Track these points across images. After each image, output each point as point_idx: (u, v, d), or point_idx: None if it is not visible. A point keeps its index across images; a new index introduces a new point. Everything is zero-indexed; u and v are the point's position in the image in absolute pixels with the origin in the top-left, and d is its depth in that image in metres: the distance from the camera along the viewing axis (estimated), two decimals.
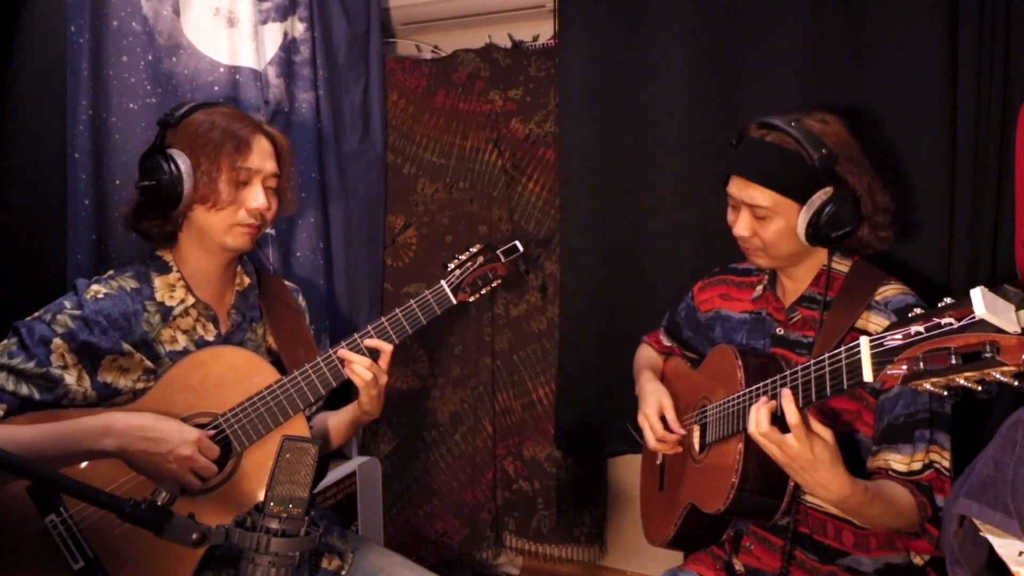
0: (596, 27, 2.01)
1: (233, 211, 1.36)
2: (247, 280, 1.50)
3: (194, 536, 0.91)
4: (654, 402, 1.56)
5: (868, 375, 1.01)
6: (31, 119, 1.79)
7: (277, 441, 0.94)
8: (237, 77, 1.91)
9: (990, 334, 0.85)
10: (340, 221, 2.22)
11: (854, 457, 1.29)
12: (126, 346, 1.32)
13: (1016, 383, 0.85)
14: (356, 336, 1.42)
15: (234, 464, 1.33)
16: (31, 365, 1.26)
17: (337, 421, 1.53)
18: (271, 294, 1.55)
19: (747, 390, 1.29)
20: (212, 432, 1.31)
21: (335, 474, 2.09)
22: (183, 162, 1.33)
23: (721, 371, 1.42)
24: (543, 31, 2.31)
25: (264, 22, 1.99)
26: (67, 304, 1.31)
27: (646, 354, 1.79)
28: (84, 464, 1.26)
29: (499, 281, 1.59)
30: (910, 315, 0.96)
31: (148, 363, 1.34)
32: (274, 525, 0.90)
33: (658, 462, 1.64)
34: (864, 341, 1.02)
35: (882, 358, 0.98)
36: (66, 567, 1.18)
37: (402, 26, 2.49)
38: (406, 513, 2.53)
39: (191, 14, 1.86)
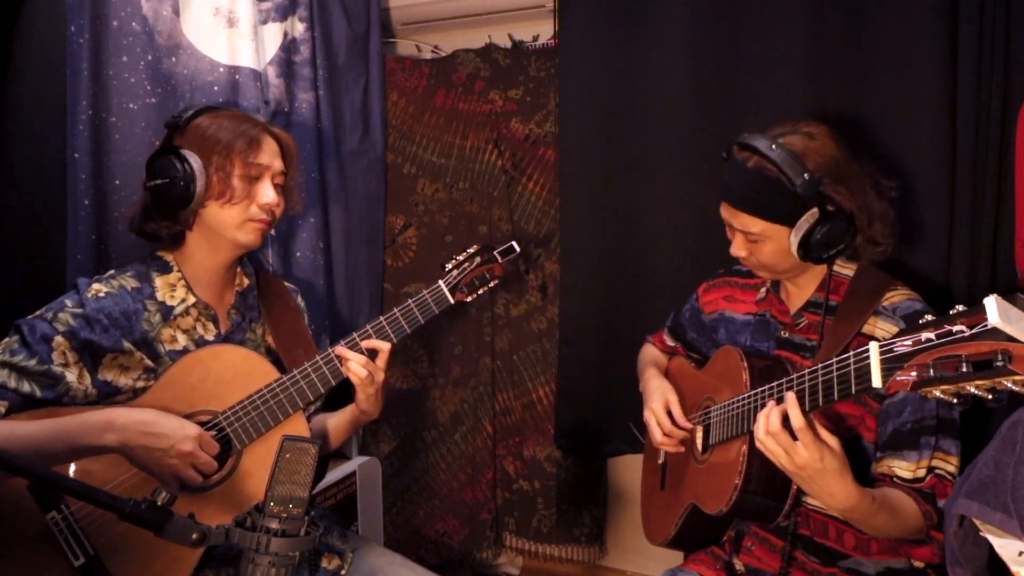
0: (596, 27, 2.01)
1: (245, 206, 1.38)
2: (246, 281, 1.51)
3: (194, 536, 0.91)
4: (660, 397, 1.56)
5: (877, 381, 0.99)
6: (31, 119, 1.79)
7: (277, 439, 0.94)
8: (237, 77, 1.91)
9: (1002, 342, 0.84)
10: (340, 221, 2.22)
11: (857, 462, 1.28)
12: (127, 344, 1.33)
13: None
14: (355, 335, 1.43)
15: (234, 462, 1.34)
16: (33, 362, 1.26)
17: (336, 421, 1.54)
18: (270, 294, 1.56)
19: (752, 392, 1.28)
20: (213, 431, 1.31)
21: (335, 474, 2.09)
22: (195, 160, 1.34)
23: (726, 372, 1.42)
24: (543, 31, 2.31)
25: (264, 22, 1.99)
26: (68, 302, 1.32)
27: (650, 353, 1.79)
28: (84, 460, 1.27)
29: (496, 281, 1.61)
30: (921, 322, 0.95)
31: (148, 362, 1.35)
32: (274, 525, 0.90)
33: (660, 461, 1.64)
34: (874, 346, 1.01)
35: (891, 364, 0.97)
36: (67, 563, 1.19)
37: (402, 26, 2.49)
38: (406, 513, 2.53)
39: (191, 14, 1.86)
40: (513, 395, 2.39)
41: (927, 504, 1.20)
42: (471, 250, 1.59)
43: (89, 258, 1.72)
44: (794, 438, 1.11)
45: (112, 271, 1.41)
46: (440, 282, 1.53)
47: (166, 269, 1.41)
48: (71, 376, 1.29)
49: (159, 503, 0.91)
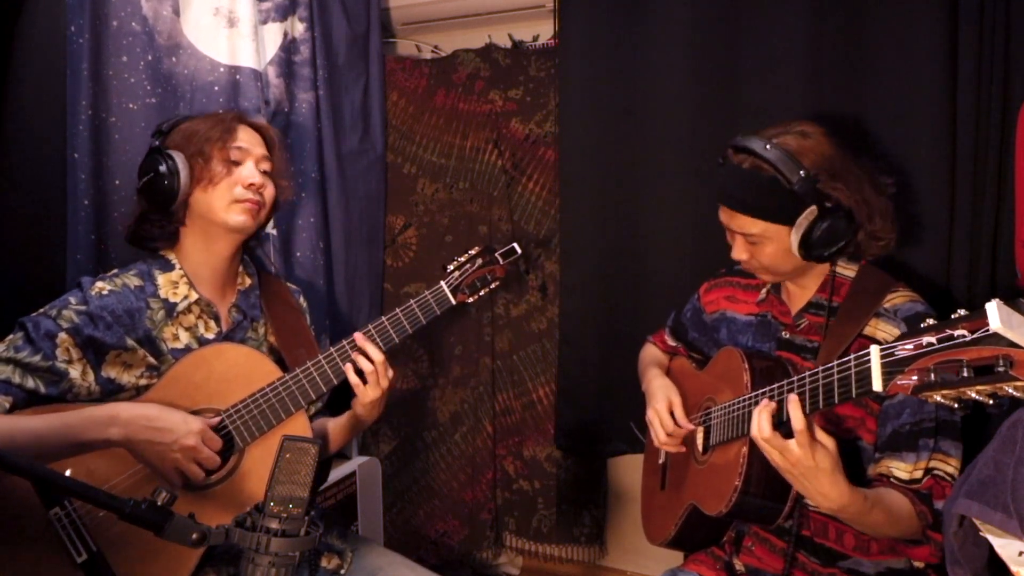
0: (596, 27, 2.01)
1: (229, 186, 1.39)
2: (248, 280, 1.53)
3: (194, 536, 0.91)
4: (664, 398, 1.55)
5: (878, 384, 0.99)
6: (31, 119, 1.79)
7: (279, 438, 0.94)
8: (237, 77, 1.91)
9: (1004, 348, 0.83)
10: (340, 221, 2.22)
11: (856, 463, 1.28)
12: (130, 342, 1.34)
13: None
14: (356, 335, 1.43)
15: (236, 460, 1.35)
16: (37, 359, 1.27)
17: (335, 425, 1.54)
18: (272, 294, 1.56)
19: (753, 393, 1.28)
20: (216, 423, 1.32)
21: (335, 474, 2.09)
22: (177, 155, 1.38)
23: (727, 373, 1.42)
24: (543, 31, 2.31)
25: (264, 22, 1.99)
26: (72, 300, 1.33)
27: (651, 353, 1.79)
28: (87, 457, 1.27)
29: (497, 283, 1.62)
30: (922, 326, 0.95)
31: (151, 359, 1.36)
32: (274, 525, 0.90)
33: (661, 461, 1.64)
34: (875, 350, 1.00)
35: (892, 368, 0.97)
36: (69, 560, 1.19)
37: (402, 26, 2.49)
38: (406, 513, 2.53)
39: (191, 14, 1.86)
40: (513, 395, 2.39)
41: (922, 504, 1.20)
42: (473, 251, 1.60)
43: (89, 258, 1.73)
44: (790, 437, 1.11)
45: (116, 270, 1.42)
46: (442, 283, 1.54)
47: (168, 267, 1.43)
48: (75, 373, 1.29)
49: (159, 503, 0.91)
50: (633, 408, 1.70)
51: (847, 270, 1.38)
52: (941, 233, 1.59)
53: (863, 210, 1.29)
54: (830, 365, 1.09)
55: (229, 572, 1.36)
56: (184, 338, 1.40)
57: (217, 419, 1.33)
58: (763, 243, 1.32)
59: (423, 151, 2.44)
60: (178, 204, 1.39)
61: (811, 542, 1.35)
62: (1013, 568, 0.84)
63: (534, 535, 2.40)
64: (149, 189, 1.39)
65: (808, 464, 1.10)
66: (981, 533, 0.86)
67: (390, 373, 1.42)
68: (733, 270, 1.61)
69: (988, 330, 0.84)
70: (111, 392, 1.34)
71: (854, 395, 1.05)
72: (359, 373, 1.40)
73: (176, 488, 1.28)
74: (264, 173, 1.45)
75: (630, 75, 1.98)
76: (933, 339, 0.92)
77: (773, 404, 1.14)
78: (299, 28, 2.06)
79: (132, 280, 1.40)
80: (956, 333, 0.89)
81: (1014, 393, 0.84)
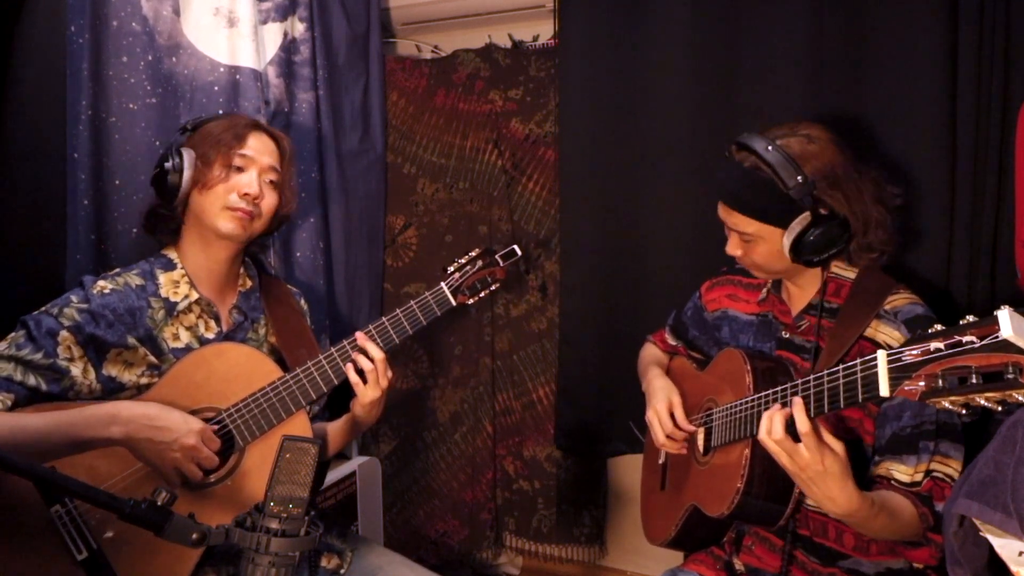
0: (596, 27, 2.01)
1: (224, 192, 1.40)
2: (249, 282, 1.53)
3: (194, 536, 0.91)
4: (664, 398, 1.55)
5: (885, 390, 0.99)
6: (31, 119, 1.79)
7: (279, 437, 0.94)
8: (237, 77, 1.91)
9: (1014, 355, 0.83)
10: (340, 221, 2.22)
11: (856, 465, 1.28)
12: (131, 340, 1.35)
13: None
14: (357, 335, 1.43)
15: (236, 460, 1.35)
16: (38, 356, 1.28)
17: (334, 428, 1.54)
18: (273, 296, 1.57)
19: (756, 396, 1.27)
20: (216, 427, 1.32)
21: (335, 474, 2.09)
22: (187, 154, 1.41)
23: (729, 374, 1.42)
24: (543, 31, 2.31)
25: (264, 22, 1.99)
26: (74, 298, 1.34)
27: (651, 353, 1.79)
28: (88, 455, 1.27)
29: (498, 285, 1.63)
30: (930, 331, 0.94)
31: (152, 358, 1.36)
32: (274, 525, 0.90)
33: (661, 462, 1.64)
34: (881, 355, 1.00)
35: (899, 373, 0.97)
36: (69, 557, 1.19)
37: (402, 26, 2.49)
38: (406, 513, 2.53)
39: (191, 14, 1.86)
40: (513, 395, 2.39)
41: (924, 507, 1.20)
42: (473, 253, 1.61)
43: (88, 258, 1.73)
44: (797, 440, 1.11)
45: (118, 269, 1.43)
46: (442, 284, 1.55)
47: (170, 266, 1.43)
48: (76, 371, 1.30)
49: (159, 503, 0.91)
50: (633, 408, 1.70)
51: (847, 272, 1.38)
52: (941, 233, 1.59)
53: (859, 221, 1.29)
54: (835, 369, 1.09)
55: (229, 572, 1.36)
56: (185, 337, 1.41)
57: (217, 419, 1.33)
58: (756, 242, 1.33)
59: (423, 151, 2.44)
60: (179, 201, 1.41)
61: (810, 542, 1.35)
62: (1013, 568, 0.84)
63: (534, 535, 2.40)
64: (155, 182, 1.43)
65: (817, 468, 1.09)
66: (981, 533, 0.86)
67: (389, 373, 1.43)
68: (734, 268, 1.61)
69: (998, 337, 0.84)
70: (112, 390, 1.34)
71: (860, 400, 1.04)
72: (359, 373, 1.40)
73: (175, 487, 1.28)
74: (270, 183, 1.46)
75: (630, 75, 1.98)
76: (941, 345, 0.91)
77: (787, 410, 1.13)
78: (299, 28, 2.06)
79: (134, 279, 1.40)
80: (965, 339, 0.88)
81: (1023, 400, 0.84)
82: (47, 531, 1.19)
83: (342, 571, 1.47)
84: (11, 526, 1.22)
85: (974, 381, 0.87)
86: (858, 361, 1.04)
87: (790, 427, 1.12)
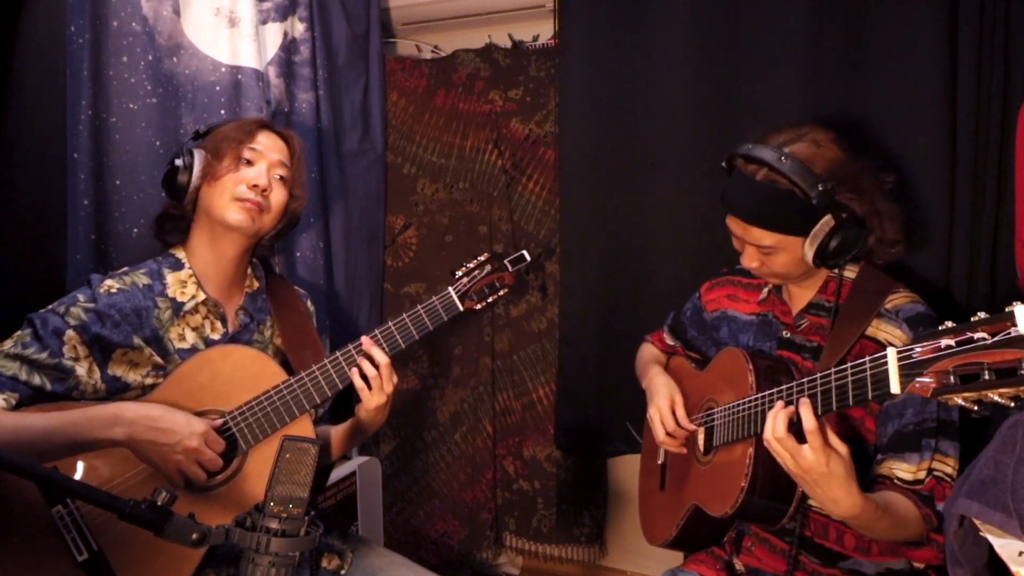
0: (596, 27, 2.01)
1: (232, 183, 1.40)
2: (256, 283, 1.53)
3: (194, 536, 0.91)
4: (666, 395, 1.54)
5: (896, 387, 0.98)
6: (31, 119, 1.79)
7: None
8: (239, 77, 1.91)
9: None
10: (340, 221, 2.22)
11: (857, 464, 1.28)
12: (137, 340, 1.34)
13: None
14: (362, 339, 1.42)
15: (239, 463, 1.35)
16: (44, 356, 1.27)
17: (337, 432, 1.53)
18: (280, 297, 1.57)
19: (760, 395, 1.27)
20: (220, 425, 1.32)
21: (335, 474, 2.09)
22: (198, 153, 1.43)
23: (730, 374, 1.41)
24: (543, 31, 2.31)
25: (264, 22, 1.99)
26: (81, 297, 1.34)
27: (650, 352, 1.79)
28: (90, 456, 1.27)
29: (506, 290, 1.61)
30: (940, 328, 0.94)
31: (157, 359, 1.36)
32: (274, 525, 0.90)
33: (660, 462, 1.64)
34: (892, 352, 0.99)
35: (910, 370, 0.96)
36: (70, 558, 1.19)
37: (402, 26, 2.49)
38: (406, 513, 2.53)
39: (191, 14, 1.86)
40: (513, 395, 2.39)
41: (927, 508, 1.20)
42: (482, 258, 1.59)
43: (89, 258, 1.72)
44: (803, 441, 1.10)
45: (126, 268, 1.43)
46: (449, 289, 1.53)
47: (178, 266, 1.43)
48: (81, 370, 1.30)
49: (159, 503, 0.91)
50: (633, 408, 1.70)
51: (848, 271, 1.38)
52: (941, 233, 1.59)
53: (875, 218, 1.28)
54: (843, 367, 1.08)
55: (229, 573, 1.36)
56: (190, 338, 1.41)
57: (221, 421, 1.33)
58: (776, 253, 1.31)
59: (423, 151, 2.44)
60: (188, 198, 1.42)
61: (812, 542, 1.35)
62: (1013, 568, 0.84)
63: (534, 535, 2.40)
64: (165, 180, 1.44)
65: (821, 470, 1.09)
66: (981, 533, 0.86)
67: (395, 378, 1.41)
68: (735, 269, 1.61)
69: (1010, 333, 0.84)
70: (117, 390, 1.34)
71: (870, 397, 1.04)
72: (364, 378, 1.39)
73: (178, 489, 1.28)
74: (280, 179, 1.46)
75: (630, 75, 1.98)
76: (952, 342, 0.91)
77: (791, 409, 1.13)
78: (299, 28, 2.06)
79: (141, 278, 1.40)
80: (976, 336, 0.88)
81: None
82: (48, 532, 1.19)
83: (343, 572, 1.47)
84: (12, 526, 1.22)
85: (987, 377, 0.86)
86: (867, 359, 1.04)
87: (794, 427, 1.12)
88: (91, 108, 1.72)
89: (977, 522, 0.86)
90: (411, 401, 2.48)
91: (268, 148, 1.45)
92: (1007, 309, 0.85)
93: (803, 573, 1.35)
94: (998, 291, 1.53)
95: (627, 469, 2.34)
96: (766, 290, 1.49)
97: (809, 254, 1.27)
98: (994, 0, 1.49)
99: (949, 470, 1.22)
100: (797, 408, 1.12)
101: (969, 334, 0.89)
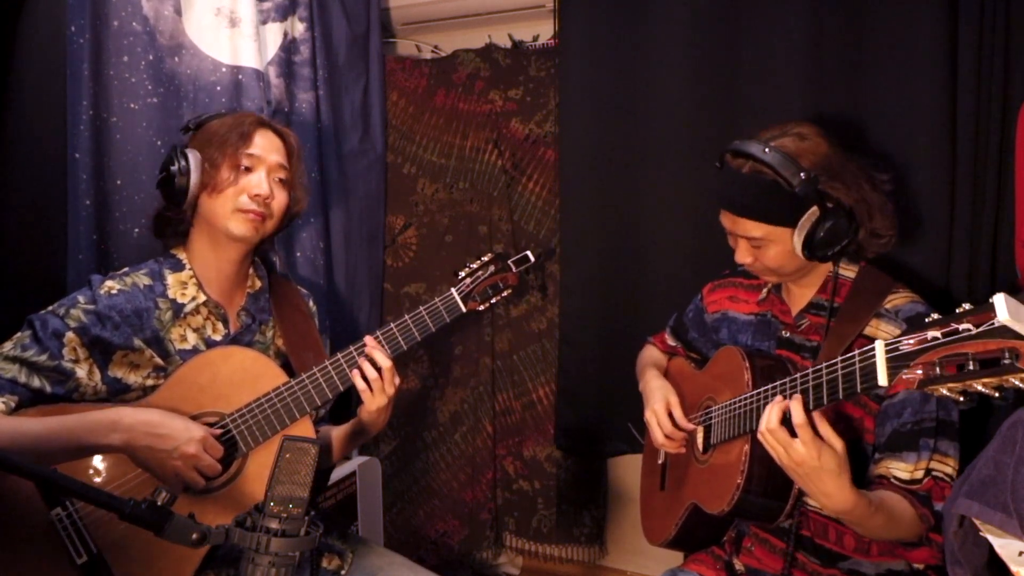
0: (596, 27, 2.01)
1: (234, 195, 1.38)
2: (258, 283, 1.52)
3: (194, 536, 0.91)
4: (661, 398, 1.56)
5: (883, 379, 1.00)
6: (32, 119, 1.79)
7: None
8: (240, 77, 1.91)
9: (1010, 340, 0.84)
10: (340, 221, 2.22)
11: (855, 464, 1.29)
12: (137, 342, 1.34)
13: None
14: (364, 340, 1.41)
15: (239, 465, 1.34)
16: (43, 358, 1.27)
17: (339, 432, 1.52)
18: (282, 297, 1.56)
19: (754, 392, 1.28)
20: (219, 432, 1.31)
21: (335, 474, 2.09)
22: (193, 156, 1.39)
23: (727, 372, 1.42)
24: (543, 31, 2.31)
25: (264, 22, 1.99)
26: (81, 299, 1.33)
27: (650, 354, 1.79)
28: (90, 459, 1.27)
29: (509, 291, 1.60)
30: (927, 320, 0.95)
31: (158, 360, 1.36)
32: (274, 525, 0.90)
33: (660, 462, 1.64)
34: (879, 345, 1.01)
35: (897, 363, 0.98)
36: (69, 561, 1.19)
37: (402, 26, 2.49)
38: (406, 513, 2.53)
39: (192, 14, 1.86)
40: (513, 395, 2.39)
41: (923, 507, 1.20)
42: (485, 258, 1.58)
43: (90, 258, 1.72)
44: (794, 435, 1.11)
45: (127, 268, 1.42)
46: (452, 290, 1.51)
47: (179, 267, 1.42)
48: (81, 372, 1.29)
49: (159, 503, 0.91)
50: (633, 408, 1.70)
51: (847, 271, 1.38)
52: (941, 233, 1.59)
53: (863, 208, 1.29)
54: (834, 361, 1.10)
55: (229, 574, 1.36)
56: (192, 339, 1.40)
57: (220, 431, 1.32)
58: (767, 246, 1.32)
59: (423, 151, 2.44)
60: (187, 205, 1.39)
61: (811, 543, 1.35)
62: (1013, 568, 0.84)
63: (534, 535, 2.40)
64: (162, 186, 1.40)
65: (813, 464, 1.10)
66: (981, 533, 0.86)
67: (396, 380, 1.40)
68: (737, 271, 1.61)
69: (994, 323, 0.85)
70: (118, 392, 1.33)
71: (859, 390, 1.05)
72: (366, 380, 1.38)
73: (177, 494, 1.27)
74: (280, 182, 1.43)
75: (630, 75, 1.98)
76: (938, 333, 0.92)
77: (786, 403, 1.14)
78: (299, 28, 2.06)
79: (142, 279, 1.39)
80: (961, 327, 0.90)
81: (1020, 385, 0.85)
82: (47, 535, 1.19)
83: (343, 572, 1.47)
84: (11, 529, 1.21)
85: (971, 368, 0.87)
86: (856, 352, 1.06)
87: (788, 421, 1.13)
88: (92, 108, 1.72)
89: (977, 522, 0.86)
90: (411, 401, 2.48)
91: (266, 150, 1.42)
92: (990, 300, 0.85)
93: (803, 573, 1.35)
94: (998, 291, 1.53)
95: (627, 469, 2.34)
96: (765, 290, 1.50)
97: (798, 244, 1.28)
98: (994, 0, 1.49)
99: (949, 470, 1.22)
100: (789, 402, 1.13)
101: (954, 325, 0.91)
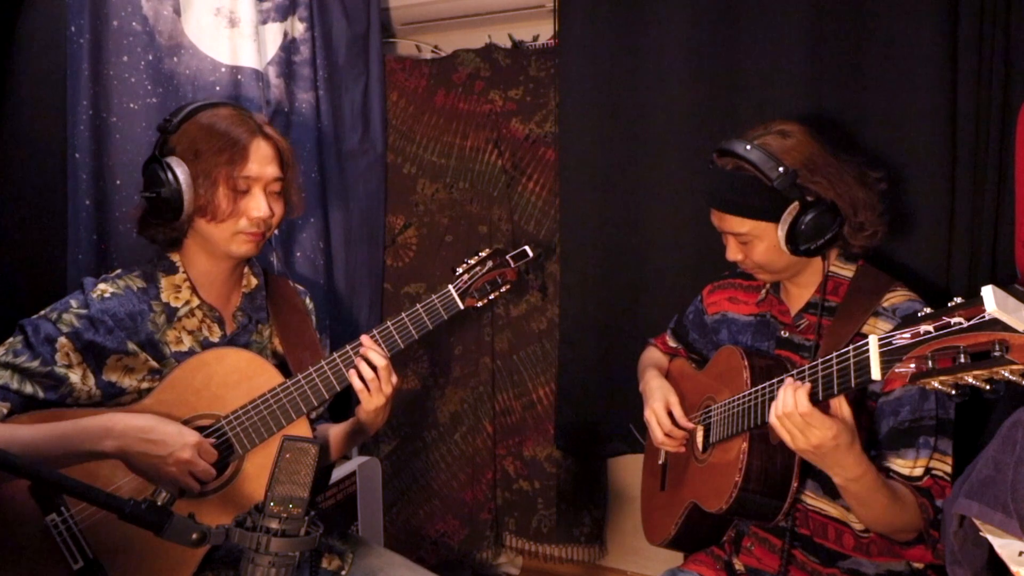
0: (596, 27, 2.01)
1: (234, 222, 1.34)
2: (254, 282, 1.49)
3: (194, 536, 0.91)
4: (661, 398, 1.57)
5: (876, 373, 1.01)
6: (32, 119, 1.79)
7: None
8: (239, 77, 1.91)
9: (1000, 333, 0.85)
10: (340, 221, 2.22)
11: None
12: (131, 346, 1.32)
13: None
14: (360, 339, 1.41)
15: (236, 467, 1.33)
16: (36, 364, 1.25)
17: (337, 431, 1.50)
18: (278, 296, 1.54)
19: (754, 389, 1.29)
20: (214, 437, 1.30)
21: (335, 474, 2.08)
22: (182, 172, 1.30)
23: (727, 372, 1.42)
24: (543, 31, 2.31)
25: (264, 22, 1.99)
26: (73, 303, 1.31)
27: (651, 355, 1.79)
28: (86, 464, 1.26)
29: (508, 287, 1.57)
30: (919, 314, 0.96)
31: (153, 363, 1.34)
32: (274, 525, 0.90)
33: (660, 462, 1.64)
34: (873, 339, 1.03)
35: (890, 356, 0.99)
36: (65, 567, 1.18)
37: (402, 26, 2.49)
38: (406, 513, 2.53)
39: (192, 14, 1.86)
40: (513, 395, 2.39)
41: (923, 497, 1.21)
42: (483, 253, 1.55)
43: (90, 258, 1.73)
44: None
45: (119, 270, 1.39)
46: (450, 286, 1.49)
47: (172, 270, 1.40)
48: (75, 377, 1.28)
49: (159, 503, 0.91)
50: (633, 408, 1.70)
51: (845, 270, 1.38)
52: (941, 233, 1.59)
53: (846, 202, 1.30)
54: (829, 356, 1.12)
55: (228, 575, 1.35)
56: (187, 341, 1.38)
57: (216, 426, 1.31)
58: (753, 242, 1.34)
59: (423, 151, 2.44)
60: (181, 222, 1.33)
61: (811, 542, 1.35)
62: (1013, 568, 0.85)
63: (534, 535, 2.40)
64: (151, 203, 1.33)
65: (831, 444, 1.12)
66: (981, 533, 0.86)
67: (394, 379, 1.38)
68: (736, 272, 1.61)
69: (984, 316, 0.86)
70: (112, 396, 1.32)
71: (853, 384, 1.07)
72: (363, 379, 1.36)
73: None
74: (276, 194, 1.39)
75: (630, 75, 1.98)
76: (930, 327, 0.94)
77: (799, 384, 1.15)
78: (299, 28, 2.06)
79: (135, 282, 1.37)
80: (953, 321, 0.90)
81: (1010, 377, 0.85)
82: (43, 540, 1.18)
83: (343, 572, 1.46)
84: (6, 535, 1.20)
85: (963, 360, 0.88)
86: (850, 347, 1.07)
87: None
88: (92, 108, 1.72)
89: (977, 522, 0.86)
90: (411, 401, 2.48)
91: (262, 164, 1.34)
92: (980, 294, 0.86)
93: (802, 572, 1.35)
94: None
95: (627, 469, 2.34)
96: (764, 291, 1.50)
97: (782, 239, 1.29)
98: (994, 0, 1.49)
99: (947, 468, 1.23)
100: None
101: (946, 319, 0.91)
